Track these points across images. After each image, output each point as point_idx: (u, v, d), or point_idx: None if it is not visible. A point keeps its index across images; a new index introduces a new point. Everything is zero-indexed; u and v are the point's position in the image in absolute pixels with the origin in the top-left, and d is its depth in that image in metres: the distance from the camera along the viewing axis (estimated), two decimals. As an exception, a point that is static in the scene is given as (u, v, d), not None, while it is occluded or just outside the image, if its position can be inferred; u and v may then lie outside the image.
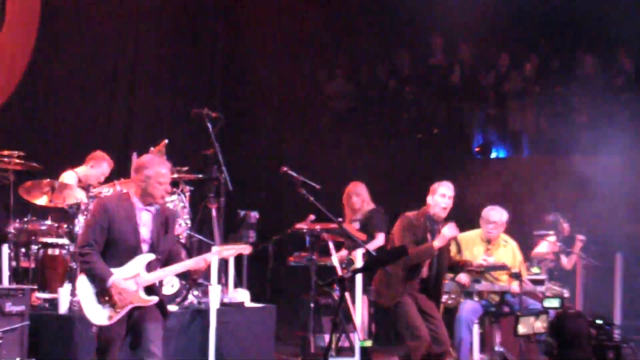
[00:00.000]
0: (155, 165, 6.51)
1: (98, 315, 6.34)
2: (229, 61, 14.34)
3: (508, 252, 9.24)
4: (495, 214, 9.18)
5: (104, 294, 6.31)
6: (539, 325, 7.32)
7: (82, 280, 6.35)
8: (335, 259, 7.05)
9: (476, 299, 9.00)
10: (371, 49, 14.47)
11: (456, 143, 13.56)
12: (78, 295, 6.31)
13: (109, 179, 9.51)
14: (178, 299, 8.78)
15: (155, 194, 6.48)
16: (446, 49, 14.18)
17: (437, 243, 8.12)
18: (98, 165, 9.58)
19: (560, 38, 13.44)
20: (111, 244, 6.37)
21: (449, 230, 8.15)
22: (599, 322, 8.40)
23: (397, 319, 8.13)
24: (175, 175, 9.30)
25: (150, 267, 6.44)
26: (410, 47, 14.22)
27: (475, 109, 13.76)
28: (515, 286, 8.86)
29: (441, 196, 8.26)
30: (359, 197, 10.16)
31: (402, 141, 13.76)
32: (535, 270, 9.31)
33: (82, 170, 9.56)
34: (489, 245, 9.24)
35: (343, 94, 14.58)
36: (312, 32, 14.23)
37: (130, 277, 6.36)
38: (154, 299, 6.47)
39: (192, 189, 9.43)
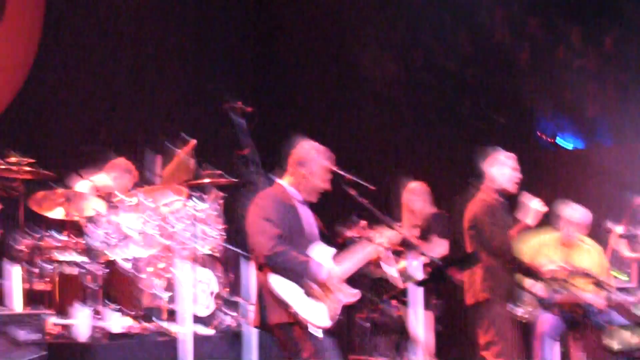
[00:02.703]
0: (321, 157, 6.55)
1: (319, 315, 6.32)
2: (260, 48, 14.26)
3: (592, 257, 9.10)
4: (577, 214, 9.04)
5: (315, 290, 6.30)
6: (637, 340, 7.20)
7: (283, 284, 6.27)
8: (394, 271, 6.97)
9: (556, 311, 8.87)
10: (424, 27, 14.30)
11: (524, 132, 13.38)
12: (289, 302, 6.24)
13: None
14: (213, 322, 8.73)
15: (316, 193, 6.57)
16: (511, 24, 13.99)
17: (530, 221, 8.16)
18: (121, 177, 9.54)
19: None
20: (292, 241, 6.38)
21: (539, 204, 8.14)
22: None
23: (493, 325, 7.98)
24: (207, 180, 9.26)
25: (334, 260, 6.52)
26: (470, 24, 14.05)
27: (546, 92, 13.56)
28: (601, 297, 8.72)
29: (512, 170, 8.22)
30: (419, 197, 10.06)
31: (463, 131, 13.59)
32: (624, 278, 9.17)
33: (100, 179, 9.51)
34: (568, 249, 9.11)
35: (393, 79, 14.44)
36: (354, 10, 14.10)
37: None
38: (358, 292, 6.55)
39: (225, 195, 9.37)
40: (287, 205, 6.40)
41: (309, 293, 6.26)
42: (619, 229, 10.37)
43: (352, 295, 6.50)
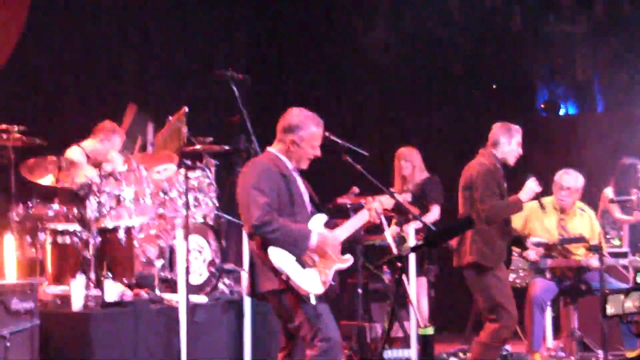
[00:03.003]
0: (311, 124, 6.53)
1: (312, 282, 6.32)
2: (255, 16, 14.19)
3: (585, 222, 9.17)
4: (570, 179, 9.11)
5: (306, 257, 6.33)
6: (630, 304, 7.20)
7: (276, 252, 6.27)
8: (389, 236, 6.97)
9: (548, 276, 8.91)
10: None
11: (519, 99, 13.38)
12: (282, 269, 6.24)
13: (118, 151, 9.44)
14: (207, 289, 8.75)
15: (306, 160, 6.55)
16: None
17: (524, 196, 8.13)
18: (108, 139, 9.51)
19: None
20: (282, 208, 6.37)
21: (535, 184, 8.08)
22: None
23: (490, 289, 8.02)
24: (198, 147, 9.25)
25: (328, 227, 6.53)
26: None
27: (540, 58, 13.54)
28: (594, 261, 8.75)
29: (518, 144, 8.27)
30: (409, 163, 10.10)
31: (457, 99, 13.58)
32: (615, 242, 9.20)
33: (89, 144, 9.50)
34: (562, 214, 9.16)
35: (385, 46, 14.38)
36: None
37: None
38: (350, 258, 6.56)
39: (217, 162, 9.37)
40: (276, 173, 6.38)
41: (300, 260, 6.28)
42: (609, 191, 10.45)
43: (344, 260, 6.51)
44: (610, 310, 7.24)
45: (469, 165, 8.34)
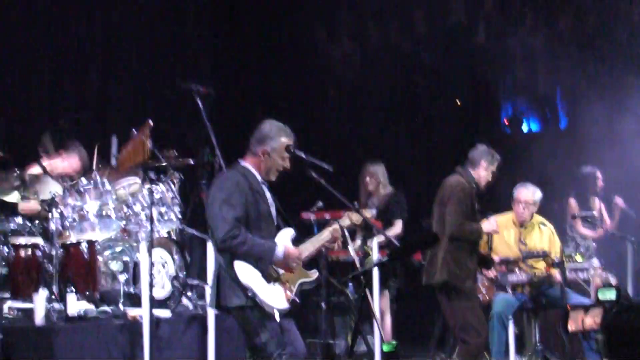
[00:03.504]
0: (282, 135, 6.56)
1: (277, 298, 6.35)
2: (218, 27, 14.20)
3: (544, 236, 9.27)
4: (527, 192, 9.23)
5: (272, 271, 6.35)
6: (590, 320, 7.28)
7: (242, 267, 6.29)
8: (352, 251, 7.03)
9: (510, 291, 9.00)
10: (381, 5, 14.30)
11: (482, 115, 13.48)
12: (248, 284, 6.26)
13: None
14: (171, 304, 8.75)
15: (275, 171, 6.58)
16: (467, 4, 14.04)
17: (486, 228, 8.34)
18: (67, 157, 9.46)
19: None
20: (250, 222, 6.39)
21: (490, 225, 8.33)
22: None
23: (461, 310, 8.15)
24: (163, 161, 9.26)
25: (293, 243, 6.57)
26: (426, 2, 14.07)
27: (503, 73, 13.65)
28: (556, 274, 8.86)
29: (493, 173, 8.53)
30: (372, 179, 10.18)
31: (420, 114, 13.67)
32: (578, 258, 9.28)
33: (51, 163, 9.43)
34: (521, 228, 9.26)
35: (348, 59, 14.44)
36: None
37: None
38: (316, 272, 6.64)
39: (181, 176, 9.38)
40: (246, 186, 6.42)
41: (265, 275, 6.31)
42: (572, 204, 10.57)
43: (309, 275, 6.56)
44: (571, 326, 7.35)
45: (445, 181, 8.46)
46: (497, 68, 13.51)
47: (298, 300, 6.47)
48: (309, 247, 6.65)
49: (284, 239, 6.52)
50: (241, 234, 6.24)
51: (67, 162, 9.47)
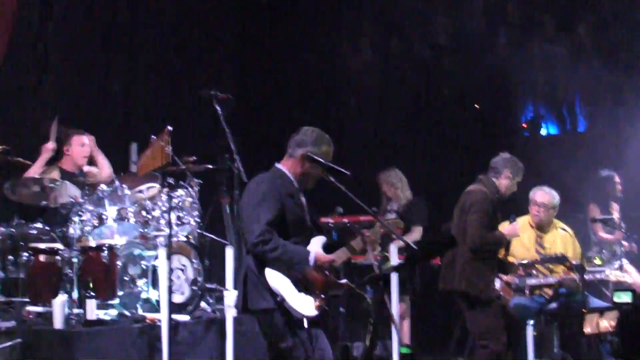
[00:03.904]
0: (323, 143, 6.54)
1: (306, 305, 6.25)
2: (241, 36, 14.24)
3: (564, 240, 9.21)
4: (543, 195, 9.20)
5: (302, 282, 6.26)
6: (606, 323, 7.25)
7: (272, 273, 6.24)
8: (371, 255, 7.02)
9: (528, 294, 8.97)
10: (402, 15, 14.34)
11: (501, 119, 13.46)
12: (278, 290, 6.22)
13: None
14: (189, 308, 8.78)
15: (312, 179, 6.54)
16: (487, 11, 14.06)
17: (508, 232, 8.41)
18: (69, 145, 9.55)
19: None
20: (283, 227, 6.32)
21: (512, 230, 8.43)
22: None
23: (480, 317, 8.14)
24: (182, 167, 9.30)
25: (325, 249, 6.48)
26: (447, 11, 14.09)
27: (523, 78, 13.64)
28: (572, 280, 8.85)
29: (517, 181, 8.51)
30: (391, 186, 10.16)
31: (440, 120, 13.67)
32: (597, 261, 9.25)
33: (66, 162, 9.53)
34: (539, 231, 9.22)
35: (370, 68, 14.48)
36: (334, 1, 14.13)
37: None
38: (346, 282, 6.52)
39: (201, 182, 9.41)
40: (282, 191, 6.35)
41: (296, 281, 6.24)
42: (594, 207, 10.53)
43: (340, 285, 6.47)
44: (587, 329, 7.32)
45: (468, 190, 8.44)
46: (516, 72, 13.50)
47: (327, 309, 6.41)
48: (341, 256, 6.56)
49: (316, 246, 6.45)
50: (274, 239, 6.18)
51: (73, 152, 9.56)
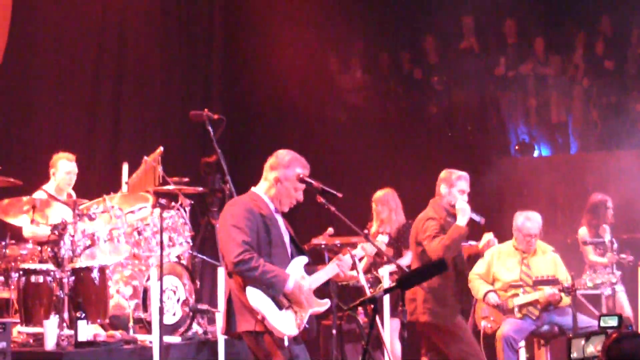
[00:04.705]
0: (297, 165, 6.57)
1: (287, 324, 6.33)
2: (228, 55, 14.26)
3: (548, 261, 9.23)
4: (533, 226, 9.17)
5: (283, 298, 6.33)
6: (591, 349, 7.25)
7: (253, 292, 6.28)
8: (362, 277, 7.05)
9: (518, 315, 8.98)
10: (392, 35, 14.40)
11: (493, 140, 13.51)
12: (259, 309, 6.25)
13: (94, 192, 9.44)
14: (181, 329, 8.77)
15: (287, 202, 6.56)
16: (477, 31, 14.13)
17: (460, 222, 8.13)
18: (56, 170, 9.47)
19: (613, 11, 13.33)
20: (261, 249, 6.37)
21: (464, 214, 8.17)
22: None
23: (452, 342, 8.11)
24: (173, 188, 9.31)
25: (307, 271, 6.55)
26: (437, 31, 14.15)
27: (514, 100, 13.71)
28: (565, 299, 8.87)
29: (460, 192, 8.29)
30: (385, 207, 10.15)
31: (430, 139, 13.70)
32: (589, 284, 9.26)
33: (50, 185, 9.48)
34: (524, 254, 9.24)
35: (360, 87, 14.52)
36: (323, 17, 14.15)
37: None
38: (327, 302, 6.55)
39: (192, 202, 9.42)
40: (257, 212, 6.41)
41: (276, 301, 6.32)
42: (584, 231, 10.56)
43: (321, 304, 6.54)
44: (574, 354, 7.31)
45: (417, 218, 8.42)
46: (508, 94, 13.58)
47: (308, 327, 6.47)
48: (316, 281, 6.64)
49: (297, 267, 6.51)
50: (253, 259, 6.24)
51: (59, 175, 9.47)
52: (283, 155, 6.61)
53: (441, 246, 8.02)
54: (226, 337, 7.82)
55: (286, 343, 6.28)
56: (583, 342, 7.21)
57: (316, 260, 9.80)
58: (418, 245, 8.29)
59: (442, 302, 8.13)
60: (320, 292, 6.74)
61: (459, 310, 8.27)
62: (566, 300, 8.92)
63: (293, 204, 6.61)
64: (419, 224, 8.32)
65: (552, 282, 8.96)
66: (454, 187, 8.29)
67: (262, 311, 6.25)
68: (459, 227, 8.14)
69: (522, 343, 9.09)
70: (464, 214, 8.16)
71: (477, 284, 9.21)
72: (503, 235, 9.40)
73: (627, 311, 10.26)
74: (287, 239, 6.60)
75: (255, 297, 6.26)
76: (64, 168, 9.44)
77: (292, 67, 13.84)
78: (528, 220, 9.22)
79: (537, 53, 13.69)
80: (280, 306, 6.32)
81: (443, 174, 8.41)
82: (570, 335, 7.83)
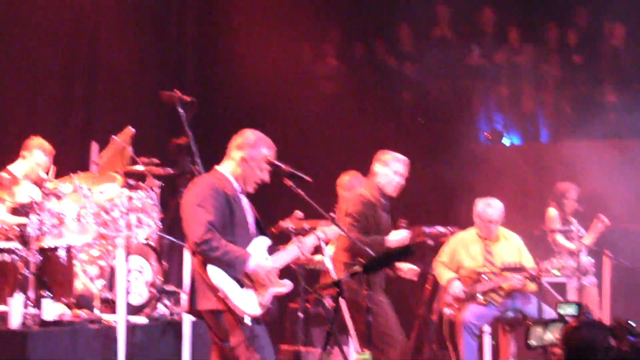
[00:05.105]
0: (263, 146, 6.58)
1: (249, 303, 6.34)
2: (200, 39, 14.23)
3: (511, 247, 9.28)
4: (495, 212, 9.22)
5: (245, 278, 6.34)
6: (550, 336, 7.29)
7: (215, 271, 6.30)
8: (328, 261, 7.07)
9: (482, 301, 9.03)
10: (366, 22, 14.41)
11: (463, 128, 13.55)
12: (220, 287, 6.28)
13: (63, 171, 9.40)
14: (147, 310, 8.76)
15: (252, 182, 6.56)
16: (451, 20, 14.17)
17: (390, 243, 8.07)
18: (30, 155, 9.41)
19: (583, 3, 13.41)
20: (224, 228, 6.37)
21: (405, 235, 8.12)
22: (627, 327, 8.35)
23: (372, 321, 7.97)
24: (143, 169, 9.28)
25: (270, 252, 6.56)
26: (411, 19, 14.17)
27: (486, 88, 13.75)
28: (515, 281, 8.92)
29: (395, 173, 8.21)
30: (349, 192, 10.13)
31: (402, 126, 13.73)
32: (555, 272, 9.31)
33: (16, 166, 9.41)
34: (486, 240, 9.28)
35: (334, 75, 14.53)
36: (297, 4, 14.14)
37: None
38: (288, 284, 6.54)
39: (162, 184, 9.39)
40: (221, 192, 6.42)
41: (238, 280, 6.33)
42: (553, 212, 10.57)
43: (282, 285, 6.56)
44: (532, 342, 7.37)
45: (353, 193, 8.37)
46: (478, 83, 13.62)
47: (272, 307, 6.49)
48: (285, 258, 6.67)
49: (259, 248, 6.53)
50: (214, 239, 6.25)
51: (31, 162, 9.40)
52: (249, 134, 6.62)
53: (356, 245, 7.75)
54: (190, 316, 7.82)
55: (248, 322, 6.30)
56: (542, 329, 7.27)
57: (284, 243, 9.81)
58: (347, 217, 8.18)
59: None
60: (287, 274, 6.75)
61: (379, 286, 8.12)
62: (531, 286, 8.97)
63: (258, 184, 6.62)
64: (351, 198, 8.23)
65: (519, 269, 9.01)
66: (388, 167, 8.20)
67: (224, 289, 6.26)
68: (384, 244, 8.07)
69: (487, 328, 9.14)
70: (398, 242, 8.08)
71: (441, 271, 9.25)
72: (472, 223, 9.45)
73: (594, 307, 10.29)
74: (250, 219, 6.61)
75: (217, 275, 6.27)
76: (38, 159, 9.37)
77: (265, 53, 13.83)
78: (489, 206, 9.27)
79: (510, 42, 13.75)
80: (241, 285, 6.33)
81: (379, 154, 8.33)
82: (529, 323, 7.89)
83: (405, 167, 8.28)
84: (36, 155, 9.37)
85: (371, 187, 8.23)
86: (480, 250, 9.25)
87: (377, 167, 8.22)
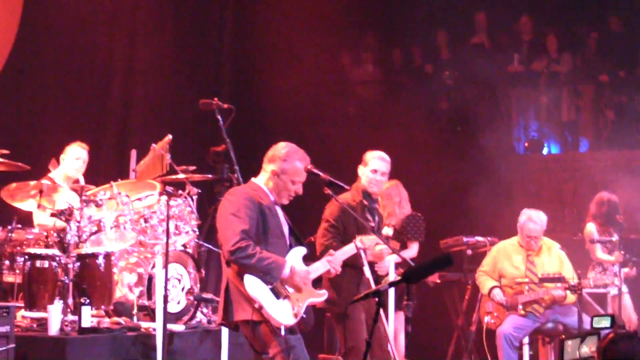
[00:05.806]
0: (295, 159, 6.56)
1: (284, 313, 6.33)
2: (239, 46, 14.24)
3: (553, 258, 9.21)
4: (535, 227, 9.14)
5: (281, 287, 6.34)
6: (586, 349, 7.21)
7: (251, 281, 6.29)
8: (367, 271, 7.03)
9: (522, 312, 8.96)
10: (404, 29, 14.37)
11: (502, 136, 13.46)
12: (256, 298, 6.26)
13: (102, 178, 9.43)
14: (185, 318, 8.76)
15: (285, 195, 6.57)
16: (489, 27, 14.11)
17: (339, 254, 7.33)
18: (65, 154, 9.46)
19: (627, 10, 13.28)
20: (259, 238, 6.39)
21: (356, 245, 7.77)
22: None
23: (344, 332, 7.82)
24: (181, 176, 9.29)
25: (305, 261, 6.56)
26: (449, 26, 14.12)
27: (525, 97, 13.67)
28: (558, 292, 8.84)
29: (372, 171, 7.86)
30: (389, 200, 10.08)
31: (439, 134, 13.67)
32: (594, 283, 9.23)
33: (58, 172, 9.45)
34: (529, 251, 9.22)
35: (372, 81, 14.50)
36: (334, 11, 14.11)
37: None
38: (325, 293, 6.59)
39: (200, 191, 9.40)
40: (256, 203, 6.42)
41: (274, 290, 6.31)
42: (592, 227, 10.45)
43: (318, 295, 6.54)
44: (567, 355, 7.29)
45: (339, 197, 8.11)
46: (517, 92, 13.54)
47: (306, 317, 6.46)
48: (320, 268, 6.65)
49: (295, 257, 6.52)
50: (250, 247, 6.24)
51: (67, 165, 9.43)
52: (280, 148, 6.61)
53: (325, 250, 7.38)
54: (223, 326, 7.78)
55: (282, 333, 6.27)
56: (576, 342, 7.18)
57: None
58: (323, 222, 7.91)
59: (336, 290, 7.58)
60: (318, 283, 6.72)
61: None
62: (571, 298, 8.89)
63: (292, 197, 6.61)
64: (330, 204, 7.86)
65: (559, 279, 8.93)
66: (367, 167, 7.90)
67: (260, 300, 6.24)
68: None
69: (527, 340, 9.06)
70: (344, 253, 7.33)
71: (483, 280, 9.19)
72: (512, 233, 9.40)
73: (631, 313, 10.18)
74: (286, 230, 6.61)
75: (253, 286, 6.25)
76: (74, 153, 9.42)
77: (303, 58, 13.83)
78: (530, 221, 9.19)
79: (549, 50, 13.67)
80: (277, 295, 6.31)
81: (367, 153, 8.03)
82: (564, 336, 7.82)
83: (382, 162, 7.91)
84: (71, 152, 9.42)
85: (356, 190, 8.03)
86: (522, 260, 9.19)
87: (360, 168, 8.02)
